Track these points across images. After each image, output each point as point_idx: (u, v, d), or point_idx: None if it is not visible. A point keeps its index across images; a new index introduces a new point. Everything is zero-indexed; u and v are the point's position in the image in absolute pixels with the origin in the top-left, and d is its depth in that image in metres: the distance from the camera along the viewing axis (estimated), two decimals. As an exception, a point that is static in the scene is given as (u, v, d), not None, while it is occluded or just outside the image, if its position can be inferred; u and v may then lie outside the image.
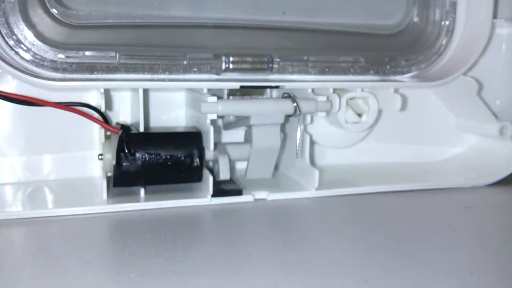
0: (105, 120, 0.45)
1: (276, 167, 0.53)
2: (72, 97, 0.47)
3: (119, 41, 0.46)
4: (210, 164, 0.50)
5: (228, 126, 0.52)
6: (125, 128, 0.44)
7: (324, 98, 0.48)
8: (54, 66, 0.43)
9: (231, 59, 0.46)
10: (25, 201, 0.45)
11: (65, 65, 0.43)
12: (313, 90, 0.49)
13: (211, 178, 0.45)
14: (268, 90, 0.52)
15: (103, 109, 0.45)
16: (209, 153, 0.47)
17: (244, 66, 0.47)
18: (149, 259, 0.34)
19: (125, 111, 0.51)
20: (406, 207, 0.48)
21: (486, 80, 0.58)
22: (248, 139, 0.50)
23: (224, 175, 0.46)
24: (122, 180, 0.45)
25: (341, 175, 0.55)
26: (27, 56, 0.43)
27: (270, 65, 0.47)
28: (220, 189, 0.46)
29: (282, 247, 0.38)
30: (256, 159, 0.49)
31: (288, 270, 0.34)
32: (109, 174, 0.45)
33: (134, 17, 0.47)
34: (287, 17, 0.52)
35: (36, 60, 0.43)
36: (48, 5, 0.44)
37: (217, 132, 0.53)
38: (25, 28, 0.43)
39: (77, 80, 0.43)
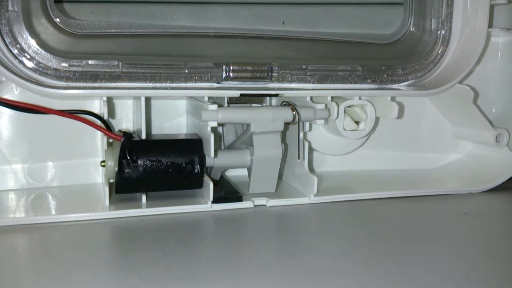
0: (107, 128, 0.45)
1: (280, 177, 0.53)
2: (75, 105, 0.47)
3: (122, 50, 0.46)
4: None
5: (230, 147, 0.53)
6: (127, 135, 0.45)
7: (322, 106, 0.48)
8: (58, 74, 0.44)
9: (231, 68, 0.47)
10: (28, 207, 0.45)
11: (68, 74, 0.44)
12: (311, 98, 0.49)
13: (211, 185, 0.45)
14: (268, 98, 0.52)
15: (105, 117, 0.45)
16: (210, 160, 0.47)
17: (244, 74, 0.47)
18: (150, 264, 0.35)
19: (127, 119, 0.52)
20: (403, 213, 0.48)
21: (482, 88, 0.59)
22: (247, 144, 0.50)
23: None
24: (124, 186, 0.45)
25: (339, 182, 0.55)
26: (31, 65, 0.43)
27: (270, 74, 0.48)
28: (221, 196, 0.47)
29: (281, 253, 0.38)
30: (259, 170, 0.48)
31: (288, 275, 0.34)
32: (112, 180, 0.45)
33: (136, 27, 0.48)
34: (286, 27, 0.53)
35: (40, 69, 0.43)
36: (51, 15, 0.44)
37: (218, 139, 0.54)
38: (29, 37, 0.43)
39: (80, 88, 0.43)
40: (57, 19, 0.45)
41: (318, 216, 0.47)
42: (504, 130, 0.55)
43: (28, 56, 0.43)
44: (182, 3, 0.51)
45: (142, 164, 0.44)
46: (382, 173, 0.58)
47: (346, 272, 0.35)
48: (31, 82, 0.42)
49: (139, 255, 0.36)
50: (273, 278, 0.34)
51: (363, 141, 0.56)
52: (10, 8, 0.42)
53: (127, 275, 0.33)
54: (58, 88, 0.42)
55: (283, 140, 0.50)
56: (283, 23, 0.53)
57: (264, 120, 0.47)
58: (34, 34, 0.43)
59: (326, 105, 0.49)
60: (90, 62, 0.44)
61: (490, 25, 0.55)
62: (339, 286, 0.32)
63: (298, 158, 0.49)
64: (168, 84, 0.46)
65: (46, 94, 0.43)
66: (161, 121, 0.53)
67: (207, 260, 0.36)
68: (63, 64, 0.44)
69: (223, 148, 0.54)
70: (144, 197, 0.46)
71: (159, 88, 0.45)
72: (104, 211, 0.44)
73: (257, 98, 0.52)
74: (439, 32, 0.54)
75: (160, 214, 0.45)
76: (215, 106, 0.45)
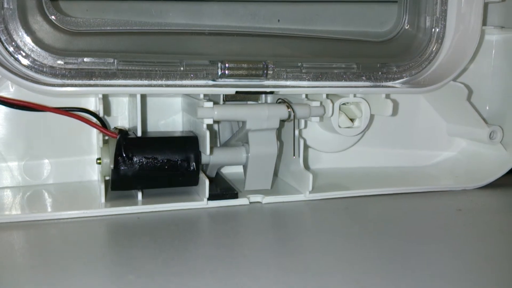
0: (103, 125, 0.45)
1: (275, 174, 0.53)
2: (71, 102, 0.48)
3: (117, 47, 0.46)
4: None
5: (226, 144, 0.53)
6: (123, 132, 0.45)
7: (317, 104, 0.49)
8: (53, 72, 0.43)
9: (227, 65, 0.47)
10: (24, 204, 0.45)
11: (64, 71, 0.44)
12: (306, 95, 0.50)
13: (207, 182, 0.45)
14: (263, 95, 0.52)
15: (101, 114, 0.46)
16: (205, 157, 0.48)
17: (240, 72, 0.47)
18: (146, 261, 0.35)
19: (123, 116, 0.52)
20: (398, 210, 0.48)
21: (476, 86, 0.59)
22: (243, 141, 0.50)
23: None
24: (119, 183, 0.45)
25: (334, 179, 0.55)
26: (27, 62, 0.43)
27: (265, 71, 0.48)
28: (216, 193, 0.47)
29: (276, 249, 0.39)
30: (254, 167, 0.49)
31: (283, 272, 0.34)
32: (107, 178, 0.45)
33: (132, 25, 0.48)
34: (281, 24, 0.53)
35: (36, 66, 0.43)
36: (47, 12, 0.44)
37: (213, 136, 0.54)
38: (25, 35, 0.43)
39: (76, 85, 0.43)
40: (53, 17, 0.45)
41: (313, 213, 0.47)
42: (497, 127, 0.55)
43: (24, 54, 0.43)
44: (177, 0, 0.51)
45: (137, 161, 0.45)
46: (377, 170, 0.59)
47: (340, 269, 0.35)
48: (27, 79, 0.42)
49: (135, 252, 0.37)
50: (268, 274, 0.34)
51: (358, 138, 0.56)
52: (5, 5, 0.42)
53: (123, 272, 0.33)
54: (54, 85, 0.42)
55: (279, 137, 0.50)
56: (279, 20, 0.53)
57: (260, 117, 0.47)
58: (29, 31, 0.43)
59: (321, 103, 0.49)
60: (85, 59, 0.44)
61: (484, 23, 0.55)
62: (333, 282, 0.33)
63: (294, 155, 0.49)
64: (163, 82, 0.46)
65: (41, 91, 0.43)
66: (157, 118, 0.53)
67: (202, 257, 0.36)
68: (59, 62, 0.44)
69: (218, 145, 0.54)
70: (140, 194, 0.46)
71: (154, 86, 0.45)
72: (100, 208, 0.44)
73: (253, 96, 0.52)
74: (433, 30, 0.54)
75: (156, 211, 0.45)
76: (210, 104, 0.45)
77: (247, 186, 0.49)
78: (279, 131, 0.51)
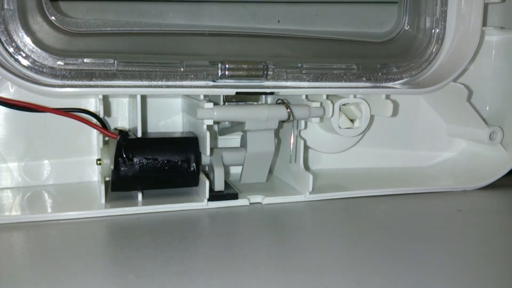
0: (103, 126, 0.45)
1: (270, 171, 0.53)
2: (71, 103, 0.47)
3: (117, 48, 0.46)
4: (207, 168, 0.50)
5: (223, 131, 0.53)
6: (123, 133, 0.45)
7: (317, 104, 0.49)
8: (53, 72, 0.44)
9: (227, 66, 0.47)
10: (24, 205, 0.45)
11: (64, 72, 0.44)
12: (307, 96, 0.50)
13: (207, 183, 0.45)
14: (263, 96, 0.52)
15: (101, 115, 0.45)
16: (206, 158, 0.48)
17: (240, 73, 0.47)
18: (146, 261, 0.35)
19: (123, 117, 0.52)
20: (398, 210, 0.48)
21: (476, 86, 0.59)
22: (243, 144, 0.51)
23: (218, 186, 0.47)
24: (120, 184, 0.45)
25: (334, 180, 0.55)
26: (27, 63, 0.43)
27: (265, 72, 0.48)
28: (216, 193, 0.47)
29: (277, 250, 0.38)
30: (251, 164, 0.49)
31: (283, 272, 0.34)
32: (107, 178, 0.45)
33: (132, 25, 0.48)
34: (281, 25, 0.53)
35: (36, 67, 0.43)
36: (47, 13, 0.44)
37: (213, 137, 0.54)
38: (25, 35, 0.43)
39: (76, 86, 0.43)
40: (53, 17, 0.45)
41: (313, 213, 0.47)
42: (497, 128, 0.55)
43: (24, 54, 0.43)
44: (177, 1, 0.51)
45: (138, 162, 0.45)
46: (377, 171, 0.59)
47: (341, 269, 0.35)
48: (27, 80, 0.42)
49: (135, 252, 0.37)
50: (268, 275, 0.34)
51: (358, 139, 0.56)
52: (5, 6, 0.42)
53: (123, 272, 0.33)
54: (54, 86, 0.42)
55: (277, 134, 0.50)
56: (279, 21, 0.53)
57: (259, 119, 0.47)
58: (29, 32, 0.43)
59: (321, 103, 0.49)
60: (85, 60, 0.44)
61: (484, 24, 0.55)
62: (334, 283, 0.33)
63: (290, 161, 0.50)
64: (163, 82, 0.46)
65: (41, 92, 0.43)
66: (157, 119, 0.53)
67: (203, 258, 0.36)
68: (59, 62, 0.44)
69: (217, 132, 0.54)
70: (140, 195, 0.46)
71: (154, 86, 0.45)
72: (100, 209, 0.44)
73: (253, 96, 0.52)
74: (433, 30, 0.54)
75: (156, 212, 0.45)
76: (210, 104, 0.45)
77: (243, 180, 0.50)
78: (278, 129, 0.51)
